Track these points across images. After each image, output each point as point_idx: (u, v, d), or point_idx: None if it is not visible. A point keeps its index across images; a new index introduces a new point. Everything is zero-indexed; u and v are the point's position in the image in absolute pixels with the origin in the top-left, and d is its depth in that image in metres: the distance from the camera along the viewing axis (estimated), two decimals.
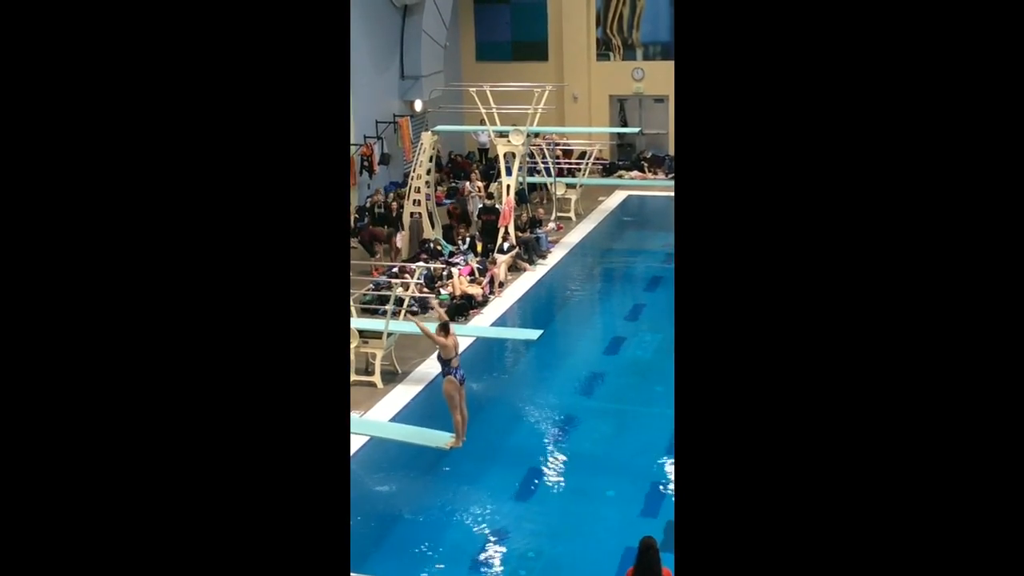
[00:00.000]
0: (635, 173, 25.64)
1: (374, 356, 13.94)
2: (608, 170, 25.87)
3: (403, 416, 13.02)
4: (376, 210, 20.13)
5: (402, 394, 13.65)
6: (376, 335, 14.00)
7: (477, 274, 17.76)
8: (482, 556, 10.32)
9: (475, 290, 17.04)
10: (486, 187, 22.44)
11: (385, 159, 22.29)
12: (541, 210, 21.91)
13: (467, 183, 22.34)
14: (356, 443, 12.13)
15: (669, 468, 11.82)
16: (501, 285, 17.78)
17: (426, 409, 13.10)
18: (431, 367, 14.33)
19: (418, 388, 13.81)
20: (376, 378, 13.86)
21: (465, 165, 25.85)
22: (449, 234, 20.12)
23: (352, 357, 13.84)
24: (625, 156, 26.98)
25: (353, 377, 13.80)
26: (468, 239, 19.58)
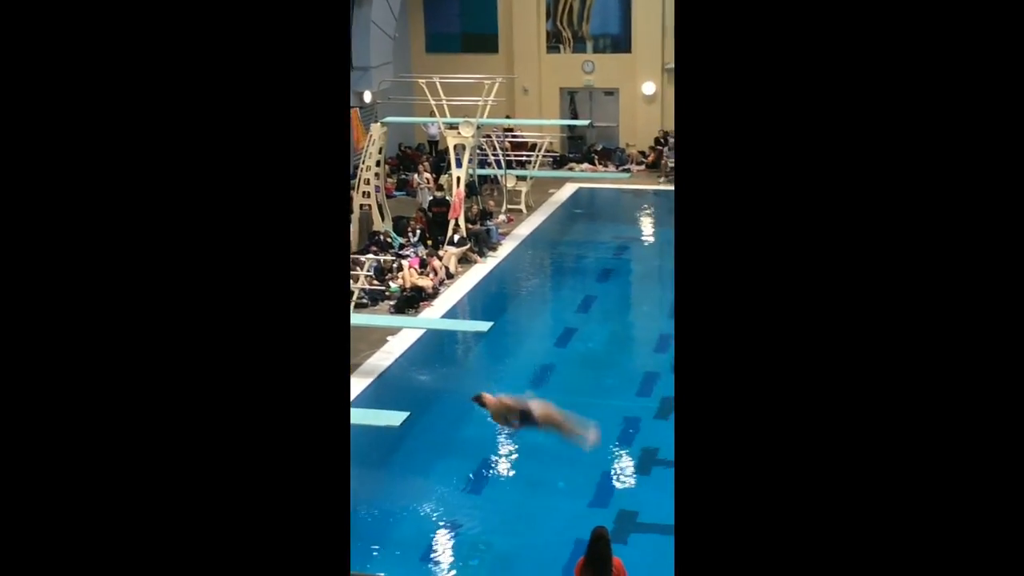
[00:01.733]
0: (585, 166, 25.73)
1: None
2: (559, 162, 25.94)
3: (355, 405, 12.97)
4: None
5: (354, 385, 13.60)
6: None
7: (426, 266, 17.73)
8: (434, 547, 10.33)
9: (425, 282, 17.01)
10: (436, 179, 22.39)
11: None
12: (491, 202, 21.92)
13: (415, 175, 22.28)
14: None
15: (619, 459, 11.90)
16: (451, 277, 17.77)
17: (376, 400, 13.07)
18: (381, 359, 14.31)
19: (368, 380, 13.76)
20: None
21: (415, 157, 25.78)
22: (400, 226, 20.05)
23: None
24: (576, 149, 27.05)
25: None
26: (418, 231, 19.53)
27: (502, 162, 22.42)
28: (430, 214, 20.00)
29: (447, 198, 19.65)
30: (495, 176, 22.84)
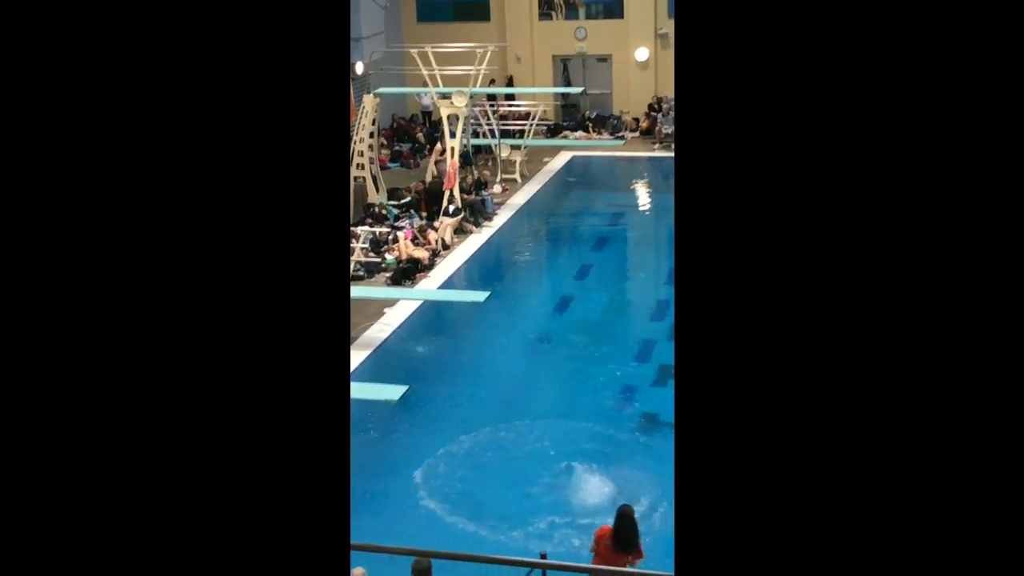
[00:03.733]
0: (580, 134, 25.68)
1: None
2: (553, 131, 25.87)
3: (354, 379, 13.01)
4: None
5: (352, 358, 13.64)
6: None
7: (420, 236, 17.71)
8: (437, 514, 10.40)
9: (421, 253, 17.01)
10: (429, 150, 22.29)
11: None
12: (486, 172, 21.87)
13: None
14: None
15: (618, 423, 11.96)
16: (447, 248, 17.77)
17: (374, 374, 13.11)
18: (378, 331, 14.34)
19: (367, 352, 13.80)
20: None
21: (408, 128, 25.69)
22: (395, 197, 20.02)
23: None
24: (569, 117, 26.98)
25: None
26: (411, 198, 19.49)
27: (496, 131, 22.36)
28: (424, 184, 19.95)
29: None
30: (489, 146, 22.79)
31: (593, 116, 26.39)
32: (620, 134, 25.29)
